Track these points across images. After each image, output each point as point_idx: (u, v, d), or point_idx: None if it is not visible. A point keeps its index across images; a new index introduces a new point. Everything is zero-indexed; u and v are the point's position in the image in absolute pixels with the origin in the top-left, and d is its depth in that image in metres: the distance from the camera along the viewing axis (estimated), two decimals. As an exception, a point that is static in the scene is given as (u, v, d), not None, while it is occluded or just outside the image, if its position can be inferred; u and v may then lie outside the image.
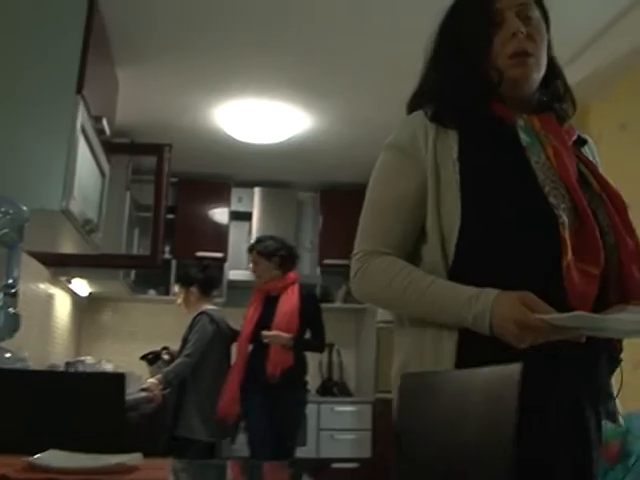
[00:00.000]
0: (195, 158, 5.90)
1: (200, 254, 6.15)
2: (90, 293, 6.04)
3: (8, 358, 2.66)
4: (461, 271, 1.45)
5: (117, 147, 4.83)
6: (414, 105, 1.68)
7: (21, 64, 3.08)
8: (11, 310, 2.64)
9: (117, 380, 2.30)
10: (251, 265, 4.84)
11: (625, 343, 1.51)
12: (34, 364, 4.09)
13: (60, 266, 4.84)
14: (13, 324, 2.68)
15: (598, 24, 3.45)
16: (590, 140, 1.72)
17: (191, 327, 4.85)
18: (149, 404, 4.62)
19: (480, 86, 1.60)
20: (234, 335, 4.95)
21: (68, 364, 5.21)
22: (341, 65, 4.01)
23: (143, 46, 3.99)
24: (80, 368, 5.16)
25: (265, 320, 4.55)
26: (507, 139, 1.56)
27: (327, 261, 6.45)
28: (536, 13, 1.61)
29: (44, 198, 3.01)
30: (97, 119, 3.50)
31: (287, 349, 4.45)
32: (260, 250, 4.73)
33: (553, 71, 1.65)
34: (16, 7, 3.11)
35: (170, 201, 6.16)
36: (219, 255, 6.32)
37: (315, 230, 6.66)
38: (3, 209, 2.59)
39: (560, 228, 1.42)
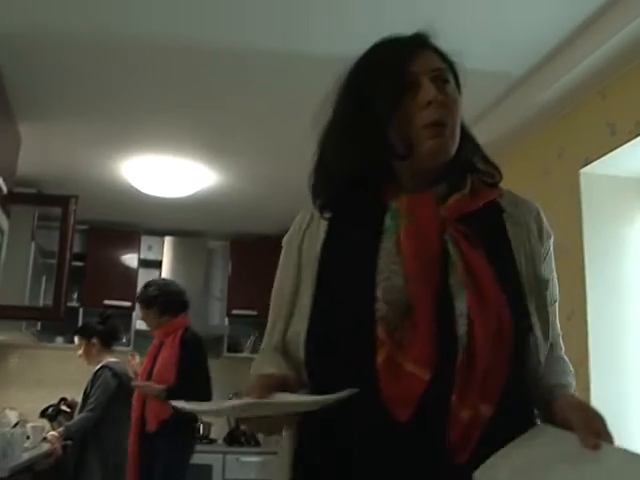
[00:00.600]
0: (104, 207, 5.93)
1: (108, 302, 6.14)
2: (-6, 342, 5.98)
3: None
4: (309, 371, 1.41)
5: (22, 197, 4.86)
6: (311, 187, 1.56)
7: None
8: None
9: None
10: None
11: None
12: None
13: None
14: None
15: (504, 82, 3.58)
16: (524, 203, 1.53)
17: (93, 381, 4.80)
18: (48, 458, 4.61)
19: (366, 165, 1.47)
20: (136, 387, 4.95)
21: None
22: (240, 125, 4.07)
23: (48, 104, 4.01)
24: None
25: (151, 372, 4.44)
26: (372, 225, 1.44)
27: (235, 311, 6.50)
28: (451, 79, 1.47)
29: None
30: (-6, 178, 3.53)
31: (163, 401, 4.14)
32: (140, 298, 4.65)
33: (465, 137, 1.51)
34: None
35: (79, 248, 6.17)
36: (127, 304, 6.30)
37: (225, 279, 6.71)
38: None
39: (378, 325, 1.31)
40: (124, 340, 6.22)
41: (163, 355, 4.42)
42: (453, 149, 1.43)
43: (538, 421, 1.36)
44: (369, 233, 1.42)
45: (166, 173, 4.92)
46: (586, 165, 3.38)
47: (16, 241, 4.64)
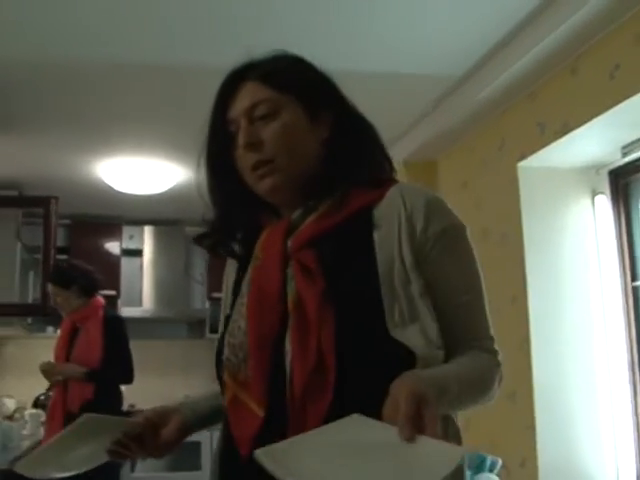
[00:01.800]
0: (85, 203, 6.17)
1: (96, 292, 6.41)
2: (-13, 334, 6.27)
3: None
4: None
5: (5, 200, 5.13)
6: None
7: None
8: None
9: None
10: (51, 297, 4.49)
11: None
12: None
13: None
14: None
15: (450, 80, 3.74)
16: (409, 196, 1.39)
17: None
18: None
19: (239, 209, 1.48)
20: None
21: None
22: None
23: (23, 116, 4.25)
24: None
25: (69, 355, 4.31)
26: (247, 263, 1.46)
27: (216, 294, 6.64)
28: (276, 104, 1.40)
29: None
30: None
31: (84, 382, 4.15)
32: (58, 280, 4.41)
33: (343, 140, 1.44)
34: None
35: (63, 242, 6.43)
36: (112, 293, 6.52)
37: (204, 263, 6.91)
38: None
39: (224, 368, 1.38)
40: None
41: (85, 337, 4.31)
42: (291, 179, 1.39)
43: None
44: (243, 272, 1.45)
45: (140, 172, 5.16)
46: (522, 160, 3.61)
47: (2, 241, 4.92)
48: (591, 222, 3.64)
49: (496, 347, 1.42)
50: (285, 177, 1.40)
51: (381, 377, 1.16)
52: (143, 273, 6.69)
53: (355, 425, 1.08)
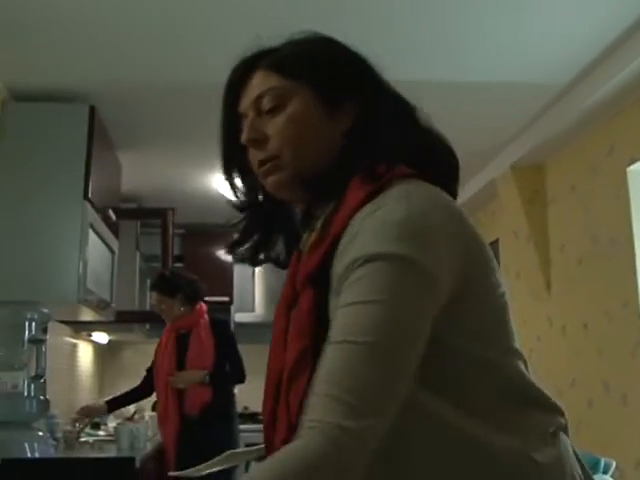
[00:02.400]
0: (198, 213, 6.39)
1: (208, 298, 6.63)
2: (109, 340, 6.57)
3: (41, 436, 3.17)
4: None
5: (126, 213, 5.39)
6: None
7: (33, 180, 3.62)
8: (41, 397, 3.17)
9: (127, 463, 2.77)
10: (154, 305, 4.62)
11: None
12: (62, 413, 4.65)
13: (80, 326, 5.38)
14: (43, 408, 3.21)
15: (556, 88, 3.77)
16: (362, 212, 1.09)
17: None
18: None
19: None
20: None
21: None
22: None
23: (142, 135, 4.53)
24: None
25: (180, 361, 4.40)
26: None
27: None
28: (283, 93, 1.23)
29: (63, 292, 3.55)
30: (104, 210, 4.04)
31: (204, 385, 4.28)
32: (163, 288, 4.54)
33: (363, 132, 1.22)
34: (27, 133, 3.68)
35: (178, 250, 6.67)
36: (225, 299, 6.77)
37: (314, 269, 7.03)
38: (29, 315, 3.14)
39: None
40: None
41: (196, 342, 4.41)
42: (298, 176, 1.22)
43: None
44: None
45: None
46: (632, 164, 3.62)
47: (124, 252, 5.17)
48: None
49: (348, 421, 0.93)
50: (291, 174, 1.22)
51: None
52: (255, 280, 6.88)
53: None
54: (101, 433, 4.98)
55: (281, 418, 1.13)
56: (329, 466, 0.91)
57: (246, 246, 1.36)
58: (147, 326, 6.31)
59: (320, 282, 1.12)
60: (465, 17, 3.09)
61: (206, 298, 6.56)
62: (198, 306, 4.58)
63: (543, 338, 4.59)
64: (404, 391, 0.99)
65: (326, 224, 1.16)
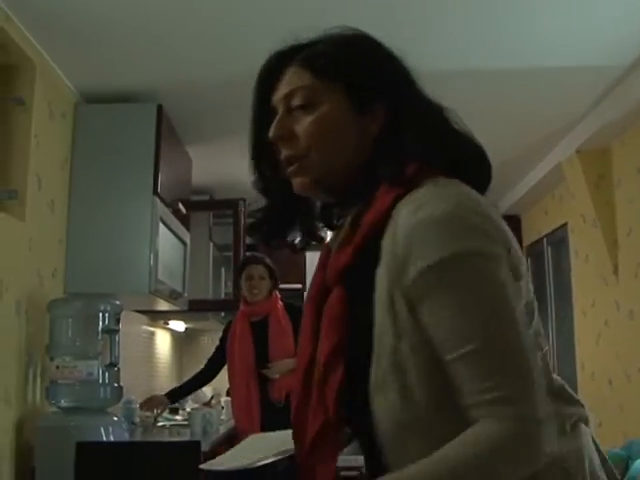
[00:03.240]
0: (269, 202, 6.53)
1: (281, 285, 6.76)
2: (186, 328, 6.77)
3: (115, 421, 3.32)
4: None
5: (198, 205, 5.54)
6: None
7: (105, 179, 3.80)
8: (115, 384, 3.33)
9: (193, 447, 2.88)
10: (251, 281, 4.43)
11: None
12: (140, 399, 4.84)
13: (157, 315, 5.56)
14: (117, 395, 3.37)
15: (618, 70, 3.74)
16: (402, 216, 1.11)
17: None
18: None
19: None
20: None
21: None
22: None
23: (210, 129, 4.66)
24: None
25: (260, 350, 4.28)
26: None
27: None
28: (315, 92, 1.23)
29: (136, 283, 3.72)
30: (174, 204, 4.18)
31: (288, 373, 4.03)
32: (269, 266, 4.51)
33: (392, 137, 1.21)
34: (98, 133, 3.85)
35: (251, 240, 6.83)
36: (298, 286, 6.88)
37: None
38: (102, 307, 3.30)
39: None
40: (297, 319, 6.87)
41: (277, 328, 4.32)
42: (324, 179, 1.23)
43: None
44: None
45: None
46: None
47: (197, 242, 5.33)
48: None
49: (513, 410, 1.01)
50: (318, 177, 1.24)
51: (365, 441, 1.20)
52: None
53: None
54: (178, 418, 5.15)
55: (314, 410, 1.18)
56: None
57: (265, 228, 1.38)
58: (222, 314, 6.48)
59: (350, 280, 1.17)
60: (523, 2, 3.10)
61: (280, 285, 6.75)
62: (274, 295, 4.54)
63: (610, 322, 4.57)
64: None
65: (354, 225, 1.20)
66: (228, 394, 6.21)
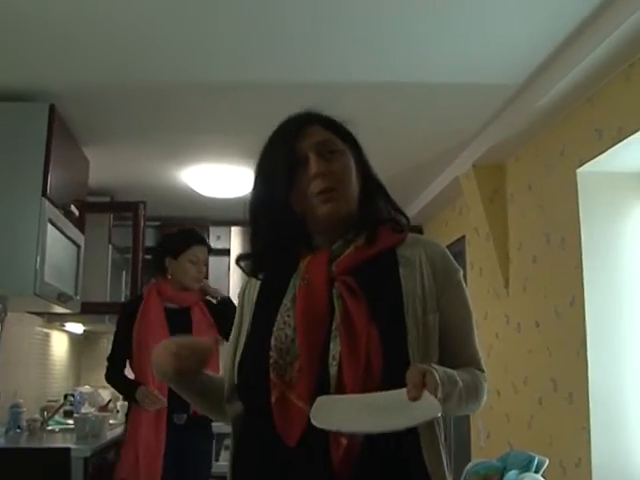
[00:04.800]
0: (172, 206, 6.46)
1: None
2: (85, 330, 6.64)
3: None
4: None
5: (97, 206, 5.46)
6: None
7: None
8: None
9: (62, 454, 2.80)
10: (197, 265, 3.99)
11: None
12: (31, 401, 4.72)
13: (53, 316, 5.44)
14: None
15: (512, 89, 3.83)
16: (427, 245, 1.70)
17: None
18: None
19: (280, 235, 1.67)
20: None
21: (66, 395, 5.85)
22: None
23: (110, 131, 4.58)
24: (77, 397, 5.80)
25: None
26: (283, 284, 1.65)
27: None
28: (339, 146, 1.68)
29: (20, 285, 3.64)
30: (66, 206, 4.10)
31: None
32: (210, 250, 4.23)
33: (371, 191, 1.73)
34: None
35: (153, 242, 6.75)
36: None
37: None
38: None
39: (271, 369, 1.52)
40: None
41: (203, 321, 3.95)
42: (346, 209, 1.65)
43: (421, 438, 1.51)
44: (278, 291, 1.64)
45: (222, 178, 5.41)
46: (581, 165, 3.66)
47: (95, 244, 5.25)
48: (651, 226, 3.66)
49: (484, 369, 1.73)
50: (343, 205, 1.65)
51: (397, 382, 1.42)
52: (230, 272, 6.94)
53: (383, 394, 1.41)
54: (70, 422, 5.04)
55: (354, 364, 1.46)
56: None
57: (252, 262, 1.76)
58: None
59: (365, 272, 1.60)
60: (415, 18, 3.13)
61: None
62: None
63: (501, 335, 4.67)
64: None
65: (368, 242, 1.66)
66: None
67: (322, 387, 1.48)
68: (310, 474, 1.48)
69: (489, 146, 4.46)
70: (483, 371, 1.72)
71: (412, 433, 1.49)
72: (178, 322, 3.83)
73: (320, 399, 1.43)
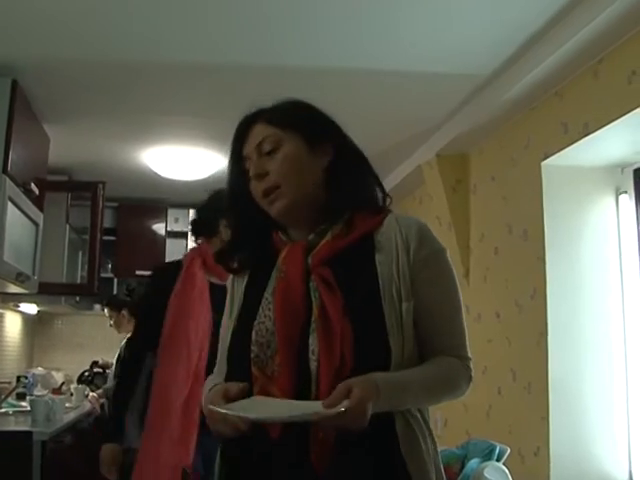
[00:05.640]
0: (131, 187, 6.39)
1: (139, 272, 6.65)
2: (39, 311, 6.55)
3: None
4: None
5: (55, 185, 5.36)
6: None
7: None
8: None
9: (24, 437, 2.75)
10: None
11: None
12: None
13: (6, 296, 5.35)
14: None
15: (479, 79, 3.83)
16: (402, 221, 1.66)
17: (125, 349, 5.33)
18: (88, 417, 5.19)
19: (254, 231, 1.74)
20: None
21: (19, 377, 5.77)
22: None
23: (70, 108, 4.47)
24: (30, 379, 5.72)
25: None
26: (267, 276, 1.67)
27: None
28: (280, 139, 1.66)
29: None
30: (26, 184, 4.02)
31: None
32: None
33: (345, 167, 1.69)
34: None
35: (110, 223, 6.69)
36: (156, 273, 6.78)
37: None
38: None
39: (252, 363, 1.55)
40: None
41: None
42: (299, 201, 1.64)
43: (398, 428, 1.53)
44: (261, 283, 1.67)
45: (183, 160, 5.36)
46: (546, 158, 3.69)
47: (52, 223, 5.15)
48: (614, 220, 3.71)
49: (468, 354, 1.68)
50: (291, 200, 1.65)
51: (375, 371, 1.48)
52: (187, 254, 6.90)
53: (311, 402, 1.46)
54: (24, 404, 4.97)
55: (329, 356, 1.48)
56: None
57: (229, 259, 1.79)
58: (77, 298, 6.31)
59: (342, 261, 1.61)
60: (391, 6, 3.12)
61: (137, 272, 6.62)
62: None
63: (460, 324, 4.69)
64: None
65: (344, 231, 1.65)
66: (80, 381, 6.06)
67: (303, 381, 1.50)
68: (291, 465, 1.51)
69: (453, 136, 4.48)
70: (465, 358, 1.66)
71: (387, 420, 1.52)
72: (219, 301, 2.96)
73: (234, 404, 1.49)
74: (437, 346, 1.61)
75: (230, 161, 1.75)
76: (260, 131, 1.69)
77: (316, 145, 1.69)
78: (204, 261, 3.08)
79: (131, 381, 3.15)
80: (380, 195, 1.76)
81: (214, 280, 3.04)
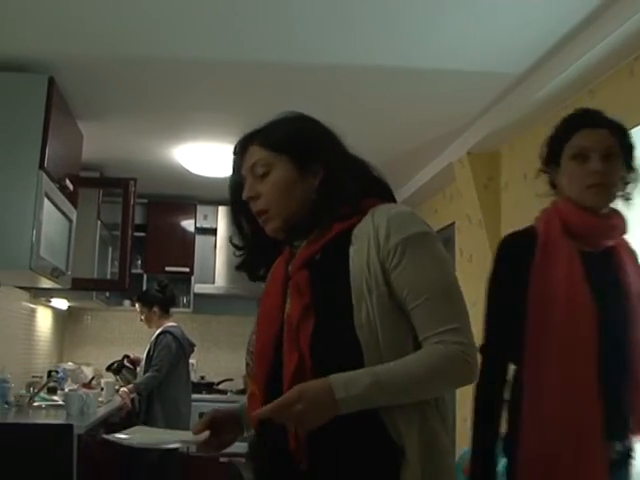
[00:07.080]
0: (161, 183, 6.43)
1: (169, 268, 6.71)
2: (69, 306, 6.61)
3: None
4: None
5: (87, 181, 5.40)
6: None
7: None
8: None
9: (65, 430, 2.79)
10: (583, 165, 2.04)
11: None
12: (16, 377, 4.68)
13: (39, 291, 5.41)
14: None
15: (511, 78, 3.85)
16: (377, 213, 1.65)
17: (156, 344, 5.38)
18: (120, 411, 5.23)
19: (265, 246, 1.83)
20: (193, 348, 5.59)
21: (50, 372, 5.82)
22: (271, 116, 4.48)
23: (105, 105, 4.54)
24: (61, 374, 5.77)
25: None
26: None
27: None
28: (270, 163, 1.71)
29: (16, 259, 3.60)
30: (61, 180, 4.06)
31: None
32: None
33: (334, 179, 1.71)
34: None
35: (141, 219, 6.72)
36: (186, 269, 6.82)
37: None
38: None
39: (246, 370, 1.79)
40: (185, 301, 6.84)
41: None
42: (289, 221, 1.71)
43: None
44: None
45: (213, 156, 5.39)
46: (580, 156, 3.68)
47: (84, 221, 5.19)
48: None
49: (464, 339, 1.54)
50: (281, 221, 1.72)
51: (344, 367, 1.51)
52: (216, 251, 6.93)
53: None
54: (55, 398, 5.02)
55: (290, 356, 1.57)
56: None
57: (250, 266, 1.87)
58: (107, 294, 6.36)
59: (320, 262, 1.66)
60: (418, 4, 3.14)
61: (167, 268, 6.67)
62: None
63: (490, 321, 4.67)
64: None
65: (318, 236, 1.69)
66: (110, 369, 6.08)
67: (277, 381, 1.60)
68: (272, 457, 1.66)
69: (485, 134, 4.47)
70: (458, 343, 1.52)
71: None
72: (602, 279, 2.13)
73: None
74: (423, 333, 1.55)
75: (230, 180, 1.86)
76: (254, 153, 1.75)
77: (306, 167, 1.73)
78: (563, 220, 2.26)
79: (497, 411, 2.14)
80: (379, 195, 1.76)
81: (585, 248, 2.18)
